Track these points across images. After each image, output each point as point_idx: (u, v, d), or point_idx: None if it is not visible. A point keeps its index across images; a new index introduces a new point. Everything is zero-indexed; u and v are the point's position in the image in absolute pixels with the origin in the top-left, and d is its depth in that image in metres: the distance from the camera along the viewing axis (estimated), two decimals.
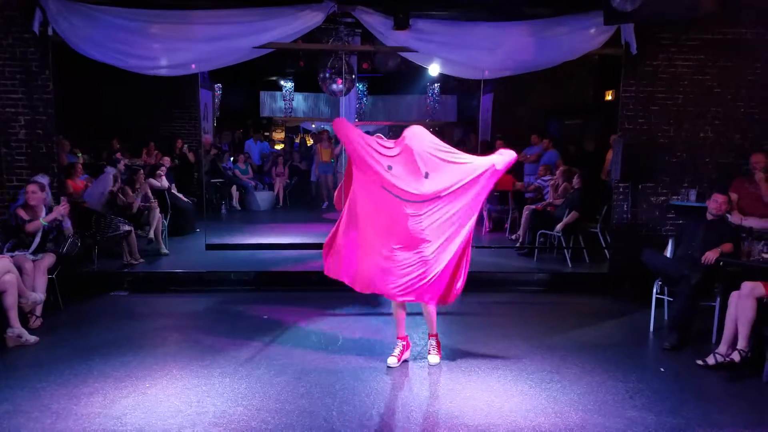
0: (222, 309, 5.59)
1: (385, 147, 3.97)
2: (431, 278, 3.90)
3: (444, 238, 3.91)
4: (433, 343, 4.24)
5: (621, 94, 6.35)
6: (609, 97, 10.01)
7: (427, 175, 3.83)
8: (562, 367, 4.16)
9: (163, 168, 8.53)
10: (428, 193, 3.83)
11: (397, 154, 3.88)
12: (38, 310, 4.92)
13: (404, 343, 4.22)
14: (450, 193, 3.88)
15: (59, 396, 3.60)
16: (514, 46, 6.07)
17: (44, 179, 5.34)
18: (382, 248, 3.92)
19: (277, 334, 4.80)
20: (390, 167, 3.85)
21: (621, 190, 6.40)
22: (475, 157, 4.05)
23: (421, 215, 3.84)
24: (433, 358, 4.18)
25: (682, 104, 6.26)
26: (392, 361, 4.10)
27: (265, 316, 5.27)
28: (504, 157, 4.01)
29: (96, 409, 3.44)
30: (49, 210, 5.22)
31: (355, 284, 4.16)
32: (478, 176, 3.93)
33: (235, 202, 11.25)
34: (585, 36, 6.01)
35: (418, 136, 3.90)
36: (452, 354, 4.41)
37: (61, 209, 5.16)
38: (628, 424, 3.33)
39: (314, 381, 3.85)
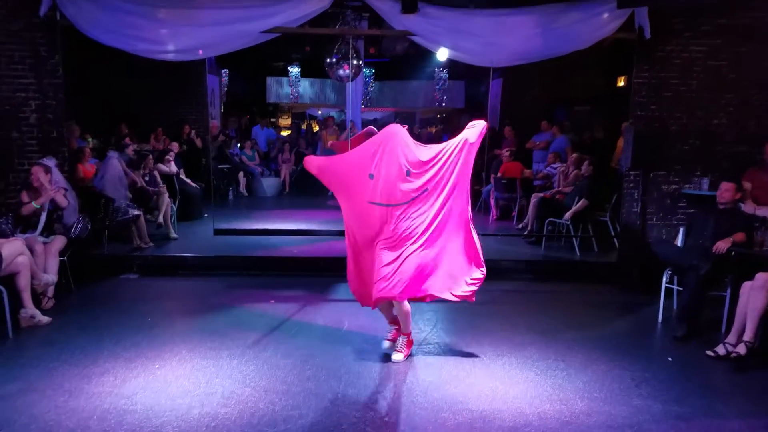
0: (230, 293, 5.63)
1: (361, 157, 3.85)
2: (408, 273, 3.76)
3: (436, 228, 3.86)
4: (402, 340, 4.06)
5: (633, 80, 6.27)
6: (621, 84, 9.91)
7: (408, 173, 3.78)
8: (568, 355, 4.16)
9: (172, 153, 8.55)
10: (414, 190, 3.78)
11: (375, 160, 3.78)
12: (50, 292, 4.98)
13: (395, 328, 4.18)
14: (435, 182, 3.83)
15: (71, 375, 3.66)
16: (525, 33, 6.00)
17: (50, 162, 5.36)
18: (371, 257, 3.86)
19: (284, 318, 4.83)
20: (372, 175, 3.79)
21: (631, 178, 6.35)
22: (444, 143, 3.99)
23: (411, 214, 3.79)
24: (397, 355, 3.99)
25: (695, 91, 6.18)
26: (385, 345, 4.11)
27: (272, 301, 5.31)
28: (474, 129, 3.95)
29: (107, 388, 3.49)
30: (57, 191, 5.26)
31: (360, 299, 4.13)
32: (455, 155, 3.87)
33: (242, 188, 11.28)
34: (598, 22, 5.92)
35: (394, 135, 3.82)
36: (457, 341, 4.43)
37: (50, 194, 5.13)
38: (633, 412, 3.34)
39: (320, 364, 3.88)
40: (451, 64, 12.59)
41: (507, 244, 7.45)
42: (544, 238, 7.38)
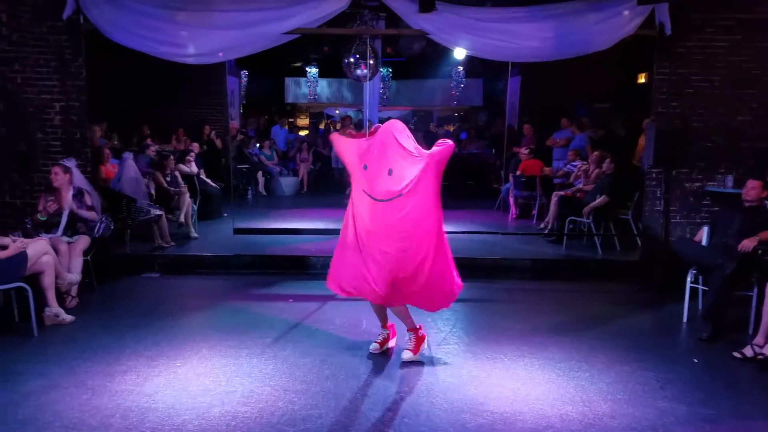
0: (249, 292, 5.67)
1: (362, 146, 3.89)
2: (399, 280, 3.74)
3: (416, 240, 3.75)
4: (412, 336, 4.01)
5: (654, 76, 6.17)
6: (641, 80, 9.76)
7: (390, 172, 3.71)
8: (591, 356, 4.10)
9: (192, 153, 8.64)
10: (392, 191, 3.70)
11: (371, 152, 3.79)
12: (74, 291, 5.06)
13: (387, 331, 4.14)
14: (408, 190, 3.69)
15: (94, 373, 3.71)
16: (544, 32, 5.92)
17: (70, 163, 5.41)
18: (365, 249, 3.81)
19: (302, 317, 4.84)
20: (365, 167, 3.79)
21: (654, 175, 6.24)
22: (419, 150, 3.82)
23: (390, 213, 3.72)
24: (407, 354, 3.95)
25: (717, 87, 6.05)
26: (373, 347, 4.07)
27: (291, 300, 5.33)
28: (440, 147, 3.79)
29: (129, 386, 3.53)
30: (80, 194, 5.32)
31: (342, 290, 4.00)
32: (422, 170, 3.71)
33: (261, 188, 11.35)
34: (619, 20, 5.82)
35: (388, 130, 3.78)
36: (477, 341, 4.39)
37: (65, 206, 5.16)
38: (658, 415, 3.28)
39: (339, 363, 3.88)
40: (469, 61, 12.51)
41: (527, 243, 7.39)
42: (565, 237, 7.30)
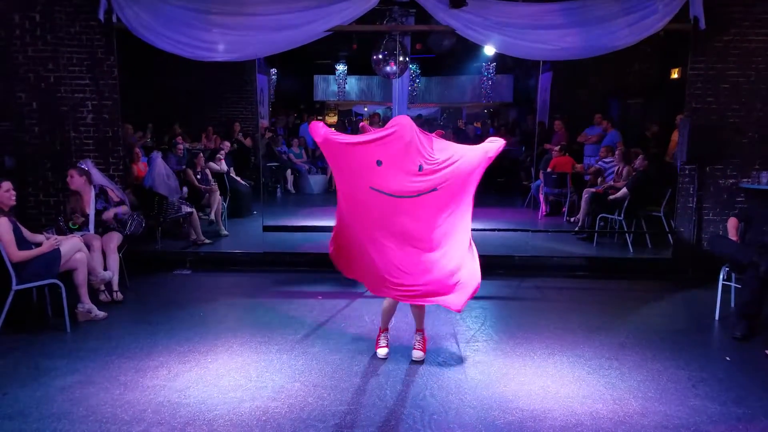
0: (278, 289, 5.72)
1: (370, 141, 3.69)
2: (433, 278, 3.67)
3: (443, 233, 3.70)
4: (419, 338, 4.01)
5: (688, 71, 6.05)
6: (675, 75, 9.55)
7: (421, 168, 3.61)
8: (621, 353, 4.04)
9: (222, 152, 8.76)
10: (424, 187, 3.61)
11: (388, 148, 3.62)
12: (116, 285, 5.19)
13: (388, 335, 4.09)
14: (446, 184, 3.63)
15: (127, 368, 3.78)
16: (577, 27, 5.82)
17: (86, 164, 5.42)
18: (379, 249, 3.73)
19: (332, 314, 4.88)
20: (379, 162, 3.62)
21: (687, 172, 6.12)
22: (463, 146, 3.81)
23: (418, 211, 3.64)
24: (417, 353, 3.94)
25: (755, 82, 5.91)
26: (383, 352, 4.00)
27: (320, 297, 5.37)
28: (495, 144, 3.77)
29: (161, 381, 3.60)
30: (103, 193, 5.38)
31: (367, 285, 4.03)
32: (472, 164, 3.67)
33: (290, 186, 11.44)
34: (651, 15, 5.70)
35: (408, 126, 3.64)
36: (507, 339, 4.37)
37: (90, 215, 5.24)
38: (690, 413, 3.22)
39: (368, 360, 3.90)
40: (499, 58, 12.39)
41: (557, 240, 7.31)
42: (596, 235, 7.20)
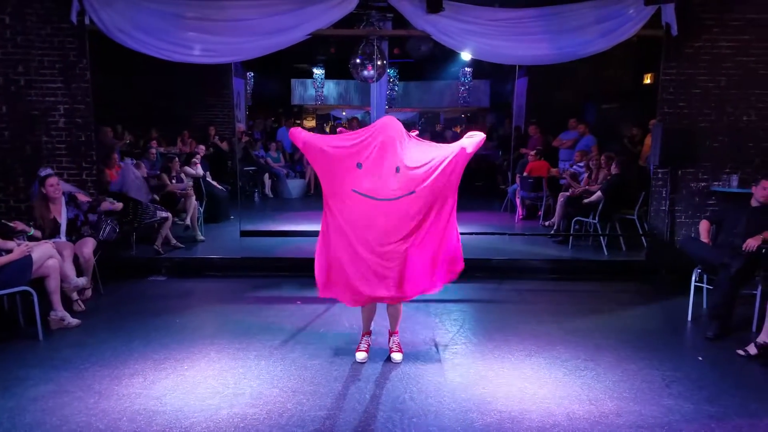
0: (257, 294, 5.67)
1: (351, 143, 3.69)
2: (411, 273, 3.66)
3: (423, 231, 3.70)
4: (396, 340, 4.04)
5: (661, 77, 6.18)
6: (648, 81, 9.75)
7: (398, 170, 3.58)
8: (597, 354, 4.10)
9: (198, 156, 8.66)
10: (401, 188, 3.58)
11: (367, 150, 3.61)
12: (88, 294, 5.13)
13: (370, 338, 4.08)
14: (424, 186, 3.61)
15: (102, 377, 3.72)
16: (551, 33, 5.92)
17: (45, 171, 5.23)
18: (361, 253, 3.68)
19: (310, 319, 4.85)
20: (359, 165, 3.61)
21: (660, 175, 6.25)
22: (441, 144, 3.83)
23: (396, 212, 3.61)
24: (397, 355, 3.96)
25: (724, 87, 6.05)
26: (361, 356, 3.96)
27: (298, 302, 5.34)
28: (473, 138, 3.79)
29: (137, 389, 3.54)
30: (72, 199, 5.29)
31: (346, 299, 3.88)
32: (450, 162, 3.66)
33: (268, 190, 11.37)
34: (624, 20, 5.83)
35: (387, 127, 3.64)
36: (485, 341, 4.39)
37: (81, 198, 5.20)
38: (664, 412, 3.28)
39: (347, 365, 3.89)
40: (476, 63, 12.55)
41: (533, 243, 7.38)
42: (571, 238, 7.29)
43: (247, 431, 3.07)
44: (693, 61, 6.03)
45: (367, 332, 4.09)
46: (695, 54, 6.02)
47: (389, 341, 4.08)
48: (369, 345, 4.06)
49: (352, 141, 3.69)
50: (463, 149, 3.73)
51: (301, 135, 3.82)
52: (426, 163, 3.65)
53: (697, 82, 6.06)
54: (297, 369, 3.85)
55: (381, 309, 4.07)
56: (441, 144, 3.86)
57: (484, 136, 3.84)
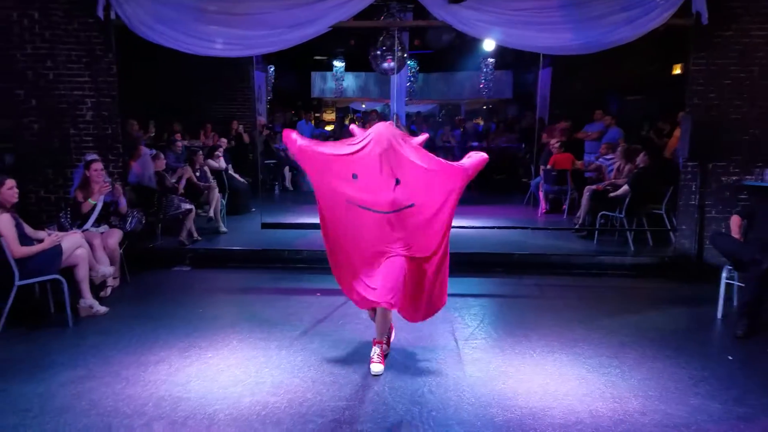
0: (277, 285, 5.72)
1: (346, 152, 3.58)
2: (400, 283, 3.52)
3: (419, 248, 3.61)
4: (378, 350, 3.74)
5: (690, 67, 6.02)
6: (677, 71, 9.52)
7: (398, 182, 3.50)
8: (622, 352, 4.03)
9: (221, 149, 8.74)
10: (400, 201, 3.50)
11: (363, 161, 3.52)
12: (115, 283, 5.24)
13: (383, 347, 3.81)
14: (424, 202, 3.54)
15: (128, 363, 3.79)
16: (575, 22, 5.80)
17: (90, 156, 5.46)
18: (360, 261, 3.64)
19: (330, 310, 4.87)
20: (355, 176, 3.52)
21: (689, 169, 6.11)
22: (444, 161, 3.66)
23: (394, 225, 3.53)
24: (376, 366, 3.65)
25: (757, 77, 5.88)
26: (378, 368, 3.66)
27: (318, 293, 5.36)
28: (473, 159, 3.65)
29: (162, 376, 3.61)
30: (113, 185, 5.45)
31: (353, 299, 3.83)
32: (451, 185, 3.56)
33: (288, 183, 11.42)
34: (652, 8, 5.69)
35: (385, 136, 3.50)
36: (506, 336, 4.36)
37: (104, 190, 5.27)
38: (690, 412, 3.21)
39: (366, 356, 3.87)
40: (499, 53, 12.34)
41: (557, 238, 7.31)
42: (596, 232, 7.19)
43: (269, 419, 3.10)
44: (724, 51, 5.87)
45: (380, 341, 3.82)
46: (726, 43, 5.86)
47: (372, 350, 3.77)
48: (384, 355, 3.80)
49: (348, 150, 3.59)
50: (464, 169, 3.61)
51: (296, 141, 3.70)
52: (426, 177, 3.54)
53: (728, 72, 5.90)
54: (317, 359, 3.87)
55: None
56: (440, 159, 3.68)
57: (486, 157, 3.69)
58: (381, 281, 3.53)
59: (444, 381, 3.58)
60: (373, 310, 3.83)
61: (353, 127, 4.02)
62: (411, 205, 3.55)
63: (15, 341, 4.16)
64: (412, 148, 3.64)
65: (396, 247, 3.59)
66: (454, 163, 3.68)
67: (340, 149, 3.64)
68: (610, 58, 8.95)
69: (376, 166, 3.50)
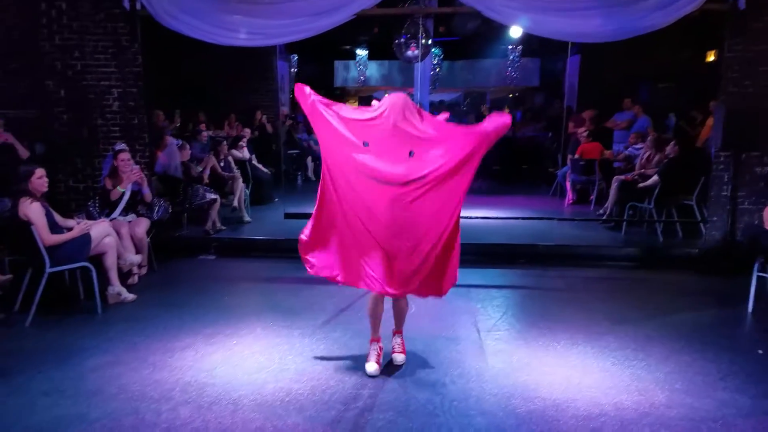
0: (300, 275, 5.67)
1: (360, 118, 3.38)
2: (427, 268, 3.39)
3: (436, 222, 3.37)
4: (399, 340, 3.72)
5: (725, 54, 5.83)
6: (711, 58, 9.25)
7: (411, 154, 3.29)
8: (648, 345, 3.96)
9: (244, 139, 8.79)
10: (414, 174, 3.26)
11: (376, 128, 3.31)
12: (143, 271, 5.36)
13: (380, 345, 3.68)
14: (440, 173, 3.28)
15: (155, 349, 3.86)
16: (604, 7, 5.64)
17: (119, 146, 5.55)
18: (369, 238, 3.39)
19: (352, 300, 4.88)
20: (366, 143, 3.31)
21: (722, 159, 5.93)
22: (461, 126, 3.45)
23: (408, 199, 3.28)
24: (399, 356, 3.66)
25: None
26: (373, 368, 3.52)
27: (340, 283, 5.36)
28: (494, 122, 3.35)
29: (188, 362, 3.67)
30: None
31: (339, 275, 3.67)
32: (470, 149, 3.29)
33: (311, 173, 11.45)
34: None
35: (399, 106, 3.28)
36: (529, 328, 4.32)
37: (133, 177, 5.33)
38: (718, 406, 3.15)
39: (388, 345, 3.88)
40: (526, 40, 12.12)
41: (584, 229, 7.20)
42: (624, 223, 7.05)
43: (292, 405, 3.13)
44: (761, 37, 5.66)
45: (377, 338, 3.70)
46: (763, 30, 5.65)
47: (392, 341, 3.74)
48: (380, 355, 3.64)
49: (361, 116, 3.39)
50: (484, 131, 3.34)
51: (309, 96, 3.47)
52: (442, 146, 3.32)
53: (765, 59, 5.69)
54: (339, 348, 3.90)
55: (388, 304, 3.79)
56: (458, 125, 3.48)
57: (508, 120, 3.38)
58: (382, 269, 3.38)
59: (466, 371, 3.56)
60: (382, 302, 3.65)
61: (374, 102, 3.86)
62: (423, 177, 3.27)
63: (47, 327, 4.28)
64: (428, 119, 3.41)
65: (405, 224, 3.33)
66: (473, 126, 3.45)
67: (354, 114, 3.44)
68: (641, 45, 8.72)
69: (389, 135, 3.29)
